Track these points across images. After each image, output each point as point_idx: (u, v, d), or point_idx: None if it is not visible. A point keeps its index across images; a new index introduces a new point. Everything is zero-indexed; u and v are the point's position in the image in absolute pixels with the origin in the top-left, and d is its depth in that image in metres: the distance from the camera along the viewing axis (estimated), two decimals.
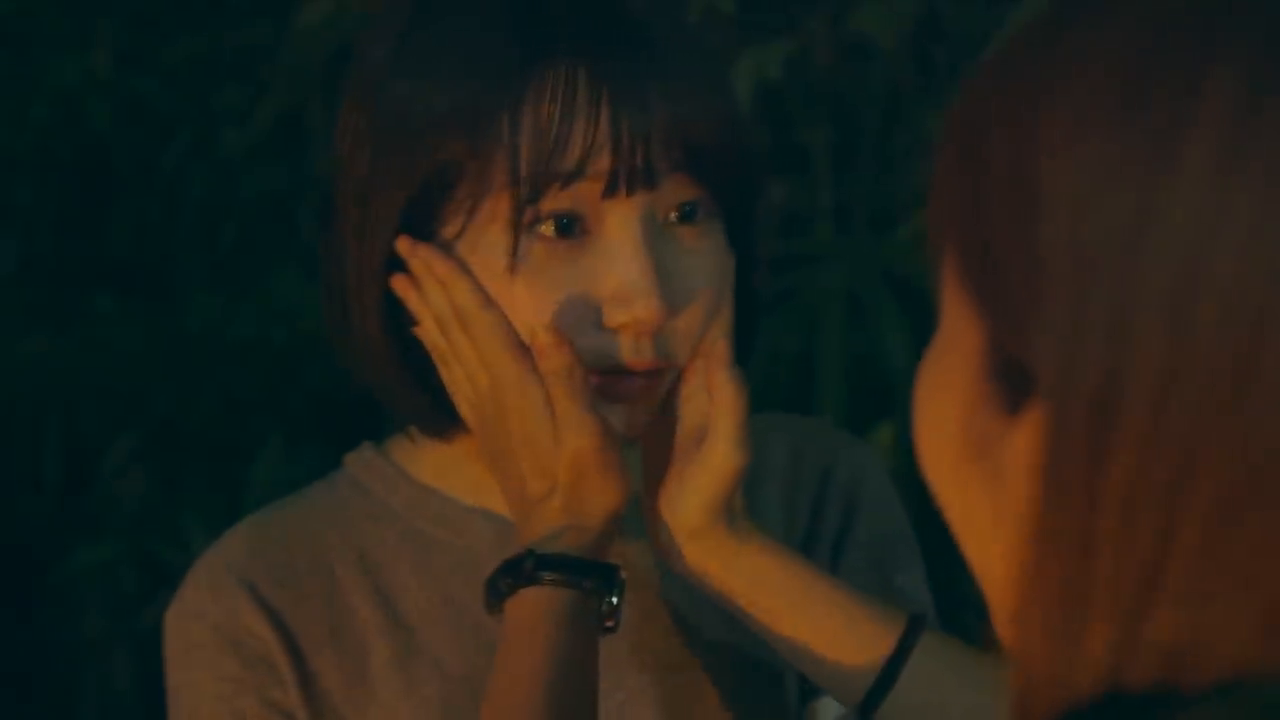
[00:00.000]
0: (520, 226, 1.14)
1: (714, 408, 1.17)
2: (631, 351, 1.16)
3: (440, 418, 1.22)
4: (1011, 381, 0.70)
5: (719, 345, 1.18)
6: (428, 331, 1.19)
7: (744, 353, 1.22)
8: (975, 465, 0.72)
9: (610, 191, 1.14)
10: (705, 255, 1.18)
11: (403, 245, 1.17)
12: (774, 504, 1.31)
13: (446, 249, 1.17)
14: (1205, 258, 0.66)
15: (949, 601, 1.33)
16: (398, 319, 1.20)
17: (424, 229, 1.17)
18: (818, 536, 1.31)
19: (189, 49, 3.14)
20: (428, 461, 1.29)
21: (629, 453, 1.20)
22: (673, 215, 1.17)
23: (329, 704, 1.24)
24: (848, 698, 1.19)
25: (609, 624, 1.17)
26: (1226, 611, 0.67)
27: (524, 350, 1.16)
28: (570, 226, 1.15)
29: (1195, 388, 0.66)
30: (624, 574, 1.17)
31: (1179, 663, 0.67)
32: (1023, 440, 0.70)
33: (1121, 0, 0.70)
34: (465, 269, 1.17)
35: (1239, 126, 0.66)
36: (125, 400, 3.04)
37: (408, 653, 1.25)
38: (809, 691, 1.29)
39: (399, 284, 1.19)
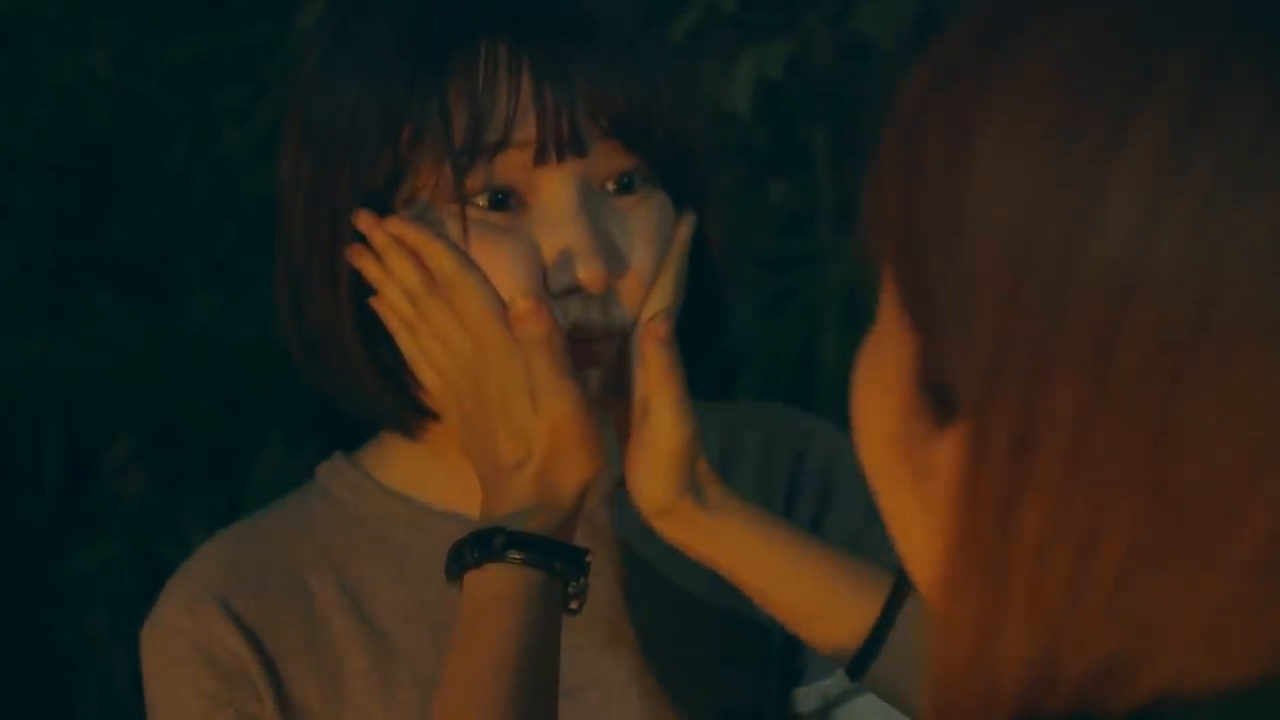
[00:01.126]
0: (463, 202, 1.15)
1: (649, 384, 1.17)
2: (581, 315, 1.17)
3: (406, 409, 1.22)
4: (938, 400, 0.69)
5: (653, 321, 1.18)
6: (391, 301, 1.18)
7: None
8: (907, 465, 0.71)
9: (540, 159, 1.15)
10: (645, 222, 1.18)
11: (363, 221, 1.17)
12: (749, 493, 1.30)
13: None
14: (1129, 301, 0.64)
15: None
16: (363, 313, 1.20)
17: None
18: (795, 522, 1.31)
19: (189, 49, 3.14)
20: (398, 468, 1.29)
21: (604, 429, 1.20)
22: (610, 185, 1.18)
23: (306, 715, 1.24)
24: (838, 660, 1.19)
25: (573, 606, 1.17)
26: (1139, 648, 0.66)
27: (506, 314, 1.16)
28: (505, 200, 1.16)
29: (1111, 437, 0.64)
30: (590, 558, 1.17)
31: (1096, 691, 0.67)
32: (949, 454, 0.69)
33: (1068, 6, 0.67)
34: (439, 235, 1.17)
35: (1170, 160, 0.63)
36: (125, 400, 3.04)
37: (384, 659, 1.25)
38: (794, 676, 1.29)
39: (356, 254, 1.19)
